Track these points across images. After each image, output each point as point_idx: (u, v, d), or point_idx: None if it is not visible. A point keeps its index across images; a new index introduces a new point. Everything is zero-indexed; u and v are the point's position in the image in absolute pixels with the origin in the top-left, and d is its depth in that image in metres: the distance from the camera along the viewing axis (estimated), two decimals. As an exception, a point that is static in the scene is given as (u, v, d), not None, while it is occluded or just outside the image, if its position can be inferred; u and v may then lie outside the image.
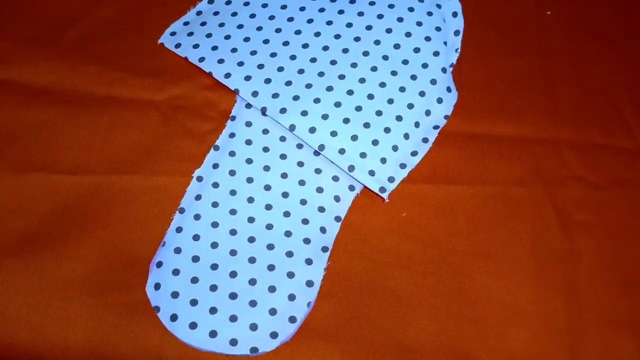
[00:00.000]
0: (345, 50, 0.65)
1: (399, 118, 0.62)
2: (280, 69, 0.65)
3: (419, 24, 0.67)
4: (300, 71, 0.64)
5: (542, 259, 0.58)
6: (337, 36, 0.66)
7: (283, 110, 0.62)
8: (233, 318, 0.55)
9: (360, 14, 0.67)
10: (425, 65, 0.65)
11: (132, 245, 0.58)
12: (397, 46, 0.66)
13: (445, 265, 0.58)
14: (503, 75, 0.66)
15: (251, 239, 0.58)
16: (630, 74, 0.67)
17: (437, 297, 0.56)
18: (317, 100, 0.63)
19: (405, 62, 0.65)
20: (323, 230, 0.59)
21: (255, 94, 0.64)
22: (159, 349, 0.54)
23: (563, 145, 0.63)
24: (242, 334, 0.54)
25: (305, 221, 0.59)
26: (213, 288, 0.56)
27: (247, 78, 0.64)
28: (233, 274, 0.57)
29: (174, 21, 0.69)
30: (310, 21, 0.67)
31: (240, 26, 0.68)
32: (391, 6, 0.67)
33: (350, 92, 0.63)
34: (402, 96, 0.63)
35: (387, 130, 0.62)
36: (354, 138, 0.61)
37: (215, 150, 0.62)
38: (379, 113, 0.62)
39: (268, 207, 0.60)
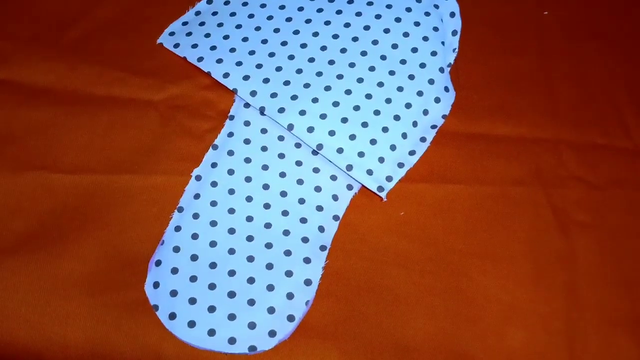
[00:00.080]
0: (343, 50, 0.65)
1: (397, 117, 0.62)
2: (279, 69, 0.65)
3: (417, 24, 0.67)
4: (299, 71, 0.65)
5: (541, 259, 0.58)
6: (335, 36, 0.66)
7: (281, 110, 0.63)
8: (232, 317, 0.55)
9: (359, 14, 0.67)
10: (423, 65, 0.65)
11: (131, 244, 0.58)
12: (395, 46, 0.66)
13: (443, 265, 0.58)
14: (501, 75, 0.66)
15: (250, 238, 0.58)
16: (630, 74, 0.67)
17: (435, 296, 0.57)
18: (315, 100, 0.63)
19: (403, 61, 0.65)
20: (321, 229, 0.59)
21: (253, 93, 0.64)
22: (157, 348, 0.54)
23: (562, 145, 0.63)
24: (241, 333, 0.54)
25: (303, 220, 0.59)
26: (212, 287, 0.56)
27: (246, 77, 0.64)
28: (232, 273, 0.57)
29: (172, 21, 0.69)
30: (308, 21, 0.68)
31: (238, 26, 0.68)
32: (389, 6, 0.68)
33: (348, 92, 0.63)
34: (400, 96, 0.63)
35: (385, 129, 0.62)
36: (352, 137, 0.61)
37: (214, 150, 0.62)
38: (377, 112, 0.62)
39: (266, 206, 0.60)
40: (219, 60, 0.66)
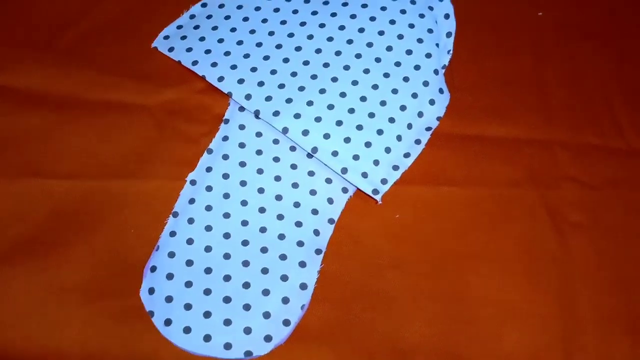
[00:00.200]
0: (338, 53, 0.65)
1: (391, 120, 0.62)
2: (274, 72, 0.65)
3: (411, 26, 0.67)
4: (293, 74, 0.64)
5: (536, 260, 0.58)
6: (330, 39, 0.66)
7: (276, 113, 0.63)
8: (227, 322, 0.55)
9: (353, 16, 0.67)
10: (417, 67, 0.65)
11: (127, 250, 0.58)
12: (389, 48, 0.66)
13: (438, 267, 0.58)
14: (496, 77, 0.66)
15: (245, 242, 0.58)
16: (624, 74, 0.67)
17: (431, 299, 0.57)
18: (310, 103, 0.63)
19: (397, 64, 0.65)
20: (316, 232, 0.59)
21: (248, 97, 0.64)
22: (153, 354, 0.54)
23: (556, 146, 0.63)
24: (236, 338, 0.55)
25: (298, 224, 0.59)
26: (207, 292, 0.56)
27: (240, 81, 0.64)
28: (227, 278, 0.57)
29: (167, 25, 0.69)
30: (303, 24, 0.67)
31: (233, 30, 0.68)
32: (383, 9, 0.68)
33: (343, 95, 0.63)
34: (395, 98, 0.63)
35: (379, 132, 0.62)
36: (347, 140, 0.61)
37: (209, 154, 0.62)
38: (371, 115, 0.62)
39: (262, 210, 0.60)
40: (214, 64, 0.65)
